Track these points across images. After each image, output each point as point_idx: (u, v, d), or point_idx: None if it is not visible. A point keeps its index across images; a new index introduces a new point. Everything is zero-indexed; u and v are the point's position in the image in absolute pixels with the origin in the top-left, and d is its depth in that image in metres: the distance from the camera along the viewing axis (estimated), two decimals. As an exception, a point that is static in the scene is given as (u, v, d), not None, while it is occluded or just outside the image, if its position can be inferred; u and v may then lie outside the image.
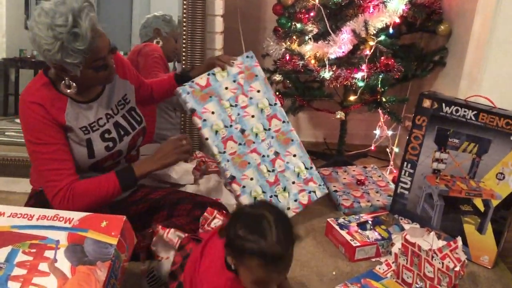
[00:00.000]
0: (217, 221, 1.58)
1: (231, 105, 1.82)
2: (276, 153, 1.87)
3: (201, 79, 1.80)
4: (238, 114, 1.83)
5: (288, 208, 1.83)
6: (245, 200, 1.80)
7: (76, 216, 1.32)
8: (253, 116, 1.85)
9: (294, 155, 1.89)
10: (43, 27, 1.39)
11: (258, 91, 1.88)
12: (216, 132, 1.80)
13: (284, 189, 1.85)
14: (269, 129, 1.87)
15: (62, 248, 1.24)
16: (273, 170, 1.86)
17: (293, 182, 1.87)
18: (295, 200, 1.86)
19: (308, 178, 1.90)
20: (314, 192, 1.89)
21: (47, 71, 1.56)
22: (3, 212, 1.32)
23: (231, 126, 1.81)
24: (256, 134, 1.85)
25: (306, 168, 1.90)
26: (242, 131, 1.83)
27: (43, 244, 1.25)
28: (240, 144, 1.82)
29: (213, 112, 1.80)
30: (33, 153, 1.53)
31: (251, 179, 1.82)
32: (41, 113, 1.49)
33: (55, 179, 1.50)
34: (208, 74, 1.81)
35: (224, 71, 1.83)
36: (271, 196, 1.83)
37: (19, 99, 1.52)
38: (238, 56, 1.88)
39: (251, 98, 1.86)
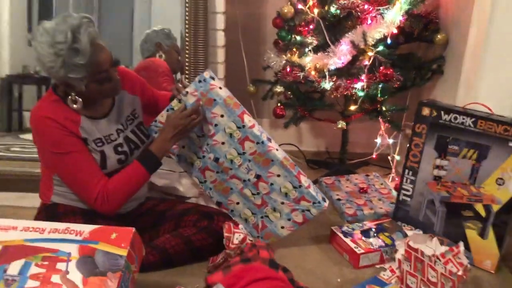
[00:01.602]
0: (238, 235, 1.63)
1: (198, 136, 1.76)
2: (258, 176, 1.75)
3: (162, 117, 1.75)
4: (208, 144, 1.76)
5: (283, 227, 1.81)
6: (238, 220, 1.82)
7: (87, 228, 1.35)
8: (223, 143, 1.74)
9: (278, 175, 1.74)
10: (45, 45, 1.44)
11: (222, 116, 1.72)
12: (192, 164, 1.80)
13: (274, 210, 1.79)
14: (244, 153, 1.74)
15: (73, 260, 1.27)
16: (258, 193, 1.78)
17: (282, 203, 1.77)
18: (289, 219, 1.79)
19: (299, 197, 1.75)
20: (309, 210, 1.77)
21: (56, 88, 1.60)
22: (15, 226, 1.35)
23: (204, 156, 1.77)
24: (231, 161, 1.76)
25: (295, 187, 1.75)
26: (216, 159, 1.77)
27: (55, 257, 1.28)
28: (217, 172, 1.78)
29: (183, 147, 1.79)
30: (60, 164, 1.58)
31: (237, 203, 1.81)
32: (57, 126, 1.53)
33: (89, 185, 1.57)
34: (167, 110, 1.74)
35: (180, 103, 1.72)
36: (262, 217, 1.81)
37: (31, 116, 1.57)
38: (191, 83, 1.74)
39: (216, 125, 1.73)
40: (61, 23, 1.45)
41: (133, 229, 1.35)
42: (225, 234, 1.63)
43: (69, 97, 1.56)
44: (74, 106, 1.56)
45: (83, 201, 1.64)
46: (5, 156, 2.55)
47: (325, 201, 1.79)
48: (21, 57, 3.23)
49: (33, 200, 1.89)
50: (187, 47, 2.25)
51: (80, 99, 1.56)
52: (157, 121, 1.77)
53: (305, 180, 1.77)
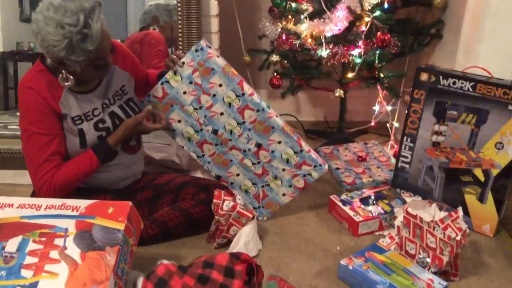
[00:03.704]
0: (228, 202, 1.61)
1: (195, 109, 1.73)
2: (258, 145, 1.75)
3: (157, 91, 1.72)
4: (205, 116, 1.74)
5: (284, 194, 1.82)
6: (237, 192, 1.81)
7: (83, 204, 1.35)
8: (222, 114, 1.73)
9: (279, 142, 1.75)
10: (52, 23, 1.39)
11: (220, 85, 1.70)
12: (189, 139, 1.77)
13: (275, 178, 1.79)
14: (244, 122, 1.73)
15: (71, 235, 1.27)
16: (258, 162, 1.78)
17: (283, 169, 1.78)
18: (290, 186, 1.80)
19: (300, 162, 1.77)
20: (310, 174, 1.78)
21: (44, 59, 1.57)
22: (11, 204, 1.35)
23: (201, 130, 1.75)
24: (231, 131, 1.74)
25: (296, 153, 1.76)
26: (215, 131, 1.75)
27: (52, 233, 1.28)
28: (216, 144, 1.77)
29: (179, 121, 1.75)
30: (24, 139, 1.56)
31: (237, 175, 1.81)
32: (38, 99, 1.51)
33: (39, 171, 1.54)
34: (162, 83, 1.71)
35: (176, 75, 1.70)
36: (262, 186, 1.81)
37: (18, 86, 1.55)
38: (187, 53, 1.71)
39: (214, 95, 1.71)
40: (70, 2, 1.39)
41: (130, 203, 1.34)
42: (214, 200, 1.62)
43: (60, 75, 1.52)
44: (66, 83, 1.53)
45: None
46: (2, 134, 2.53)
47: (325, 164, 1.81)
48: (14, 33, 3.16)
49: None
50: (179, 18, 2.19)
51: (72, 77, 1.53)
52: (151, 95, 1.74)
53: (305, 145, 1.79)
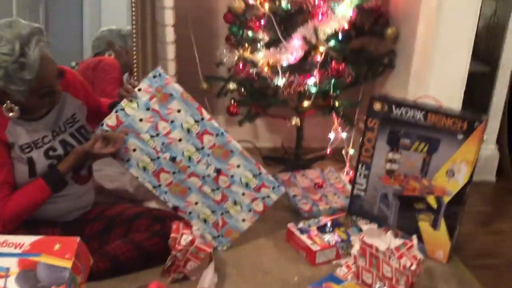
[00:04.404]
0: (186, 237, 1.57)
1: (152, 136, 1.70)
2: (218, 170, 1.75)
3: (110, 119, 1.67)
4: (163, 143, 1.71)
5: (244, 220, 1.80)
6: (196, 224, 1.76)
7: (27, 240, 1.26)
8: (180, 140, 1.71)
9: (238, 166, 1.76)
10: None
11: (179, 111, 1.70)
12: (144, 168, 1.72)
13: (235, 203, 1.78)
14: (202, 147, 1.73)
15: (12, 276, 1.19)
16: (217, 188, 1.76)
17: (243, 194, 1.78)
18: (249, 210, 1.79)
19: (259, 185, 1.78)
20: (269, 196, 1.80)
21: None
22: None
23: (158, 158, 1.71)
24: (189, 158, 1.72)
25: (255, 175, 1.78)
26: (173, 159, 1.72)
27: (-8, 273, 1.20)
28: (174, 172, 1.73)
29: (134, 150, 1.71)
30: None
31: (196, 203, 1.77)
32: None
33: None
34: (116, 111, 1.67)
35: (132, 102, 1.67)
36: (222, 214, 1.78)
37: None
38: (144, 79, 1.70)
39: (172, 121, 1.70)
40: (6, 29, 1.34)
41: (78, 239, 1.28)
42: (172, 234, 1.57)
43: (4, 105, 1.45)
44: (10, 114, 1.46)
45: None
46: None
47: (282, 185, 1.85)
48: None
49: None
50: (134, 44, 2.17)
51: (17, 107, 1.46)
52: (104, 124, 1.69)
53: (262, 167, 1.81)
